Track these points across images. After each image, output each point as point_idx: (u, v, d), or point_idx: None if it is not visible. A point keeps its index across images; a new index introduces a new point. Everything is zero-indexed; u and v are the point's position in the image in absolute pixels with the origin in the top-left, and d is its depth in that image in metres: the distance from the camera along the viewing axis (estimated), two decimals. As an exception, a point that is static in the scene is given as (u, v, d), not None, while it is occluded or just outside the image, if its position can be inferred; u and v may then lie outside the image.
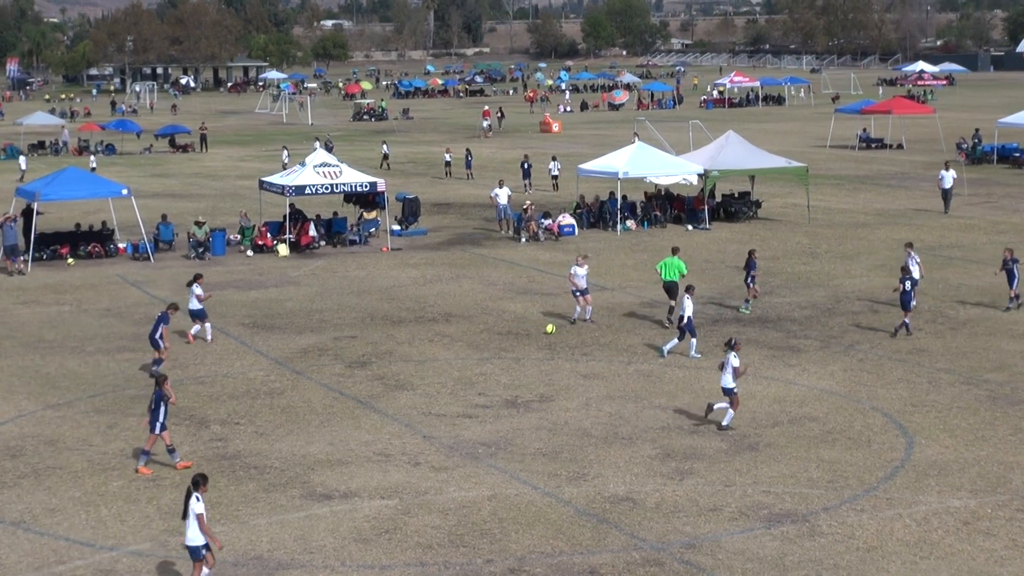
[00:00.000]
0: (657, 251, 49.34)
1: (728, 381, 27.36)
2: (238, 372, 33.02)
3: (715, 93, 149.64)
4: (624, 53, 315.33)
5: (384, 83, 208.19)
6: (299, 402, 30.19)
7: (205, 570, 19.76)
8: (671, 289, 37.01)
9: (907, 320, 35.16)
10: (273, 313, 39.93)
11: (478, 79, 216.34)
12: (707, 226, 54.93)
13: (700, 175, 55.91)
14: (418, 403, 29.94)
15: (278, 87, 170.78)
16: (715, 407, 27.83)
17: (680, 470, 24.97)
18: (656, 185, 59.01)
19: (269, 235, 51.68)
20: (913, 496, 23.38)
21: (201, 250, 49.92)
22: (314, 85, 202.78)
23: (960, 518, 22.31)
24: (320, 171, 51.37)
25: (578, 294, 37.77)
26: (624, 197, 55.80)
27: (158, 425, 25.37)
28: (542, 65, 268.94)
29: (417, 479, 24.64)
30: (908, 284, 35.27)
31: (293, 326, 38.06)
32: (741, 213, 57.41)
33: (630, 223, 55.15)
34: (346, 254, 50.65)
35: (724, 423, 27.55)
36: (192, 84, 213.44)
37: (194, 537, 19.63)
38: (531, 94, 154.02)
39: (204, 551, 19.66)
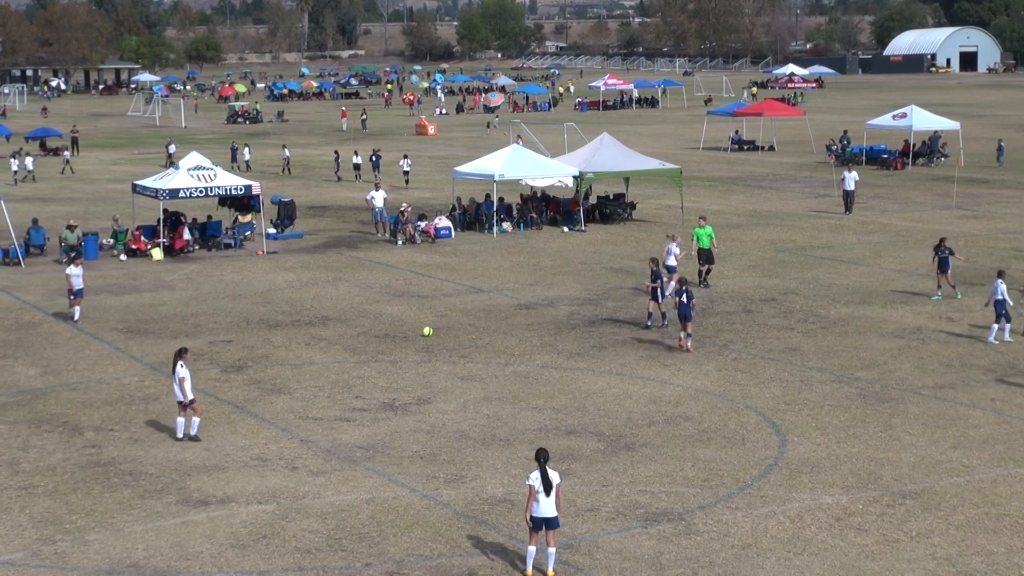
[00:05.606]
0: (532, 253, 49.59)
1: None
2: (112, 378, 32.62)
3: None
4: (499, 56, 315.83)
5: (259, 85, 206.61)
6: (174, 408, 29.84)
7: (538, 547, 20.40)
8: (701, 254, 43.08)
9: None
10: (147, 318, 39.48)
11: (353, 81, 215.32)
12: (583, 228, 55.25)
13: (575, 177, 56.21)
14: (295, 407, 29.80)
15: (151, 89, 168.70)
16: None
17: (557, 471, 25.01)
18: (532, 187, 59.26)
19: (143, 239, 51.09)
20: (786, 493, 23.73)
21: (73, 254, 49.13)
22: (189, 88, 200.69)
23: (832, 514, 22.68)
24: (194, 174, 50.93)
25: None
26: (500, 199, 56.00)
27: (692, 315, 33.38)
28: (417, 68, 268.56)
29: (295, 483, 24.54)
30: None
31: (168, 331, 37.66)
32: (616, 215, 57.84)
33: (506, 225, 55.31)
34: (221, 258, 50.22)
35: None
36: (63, 86, 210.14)
37: (555, 509, 20.34)
38: (410, 97, 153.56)
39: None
